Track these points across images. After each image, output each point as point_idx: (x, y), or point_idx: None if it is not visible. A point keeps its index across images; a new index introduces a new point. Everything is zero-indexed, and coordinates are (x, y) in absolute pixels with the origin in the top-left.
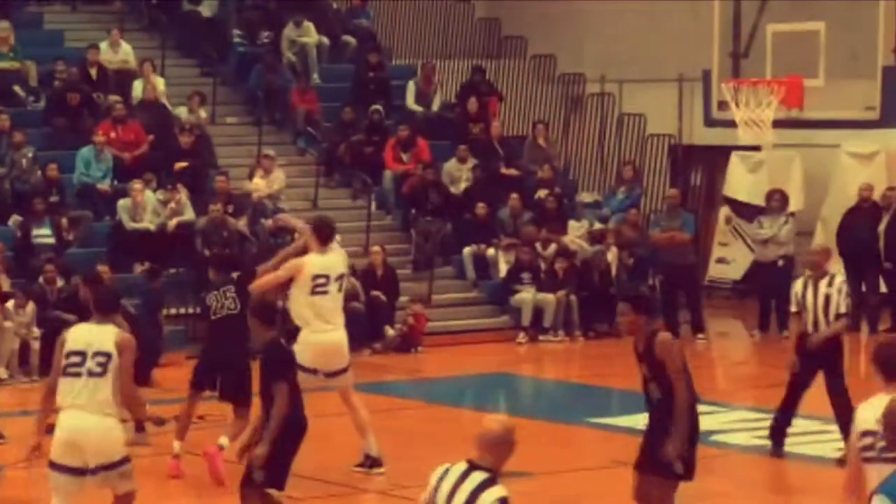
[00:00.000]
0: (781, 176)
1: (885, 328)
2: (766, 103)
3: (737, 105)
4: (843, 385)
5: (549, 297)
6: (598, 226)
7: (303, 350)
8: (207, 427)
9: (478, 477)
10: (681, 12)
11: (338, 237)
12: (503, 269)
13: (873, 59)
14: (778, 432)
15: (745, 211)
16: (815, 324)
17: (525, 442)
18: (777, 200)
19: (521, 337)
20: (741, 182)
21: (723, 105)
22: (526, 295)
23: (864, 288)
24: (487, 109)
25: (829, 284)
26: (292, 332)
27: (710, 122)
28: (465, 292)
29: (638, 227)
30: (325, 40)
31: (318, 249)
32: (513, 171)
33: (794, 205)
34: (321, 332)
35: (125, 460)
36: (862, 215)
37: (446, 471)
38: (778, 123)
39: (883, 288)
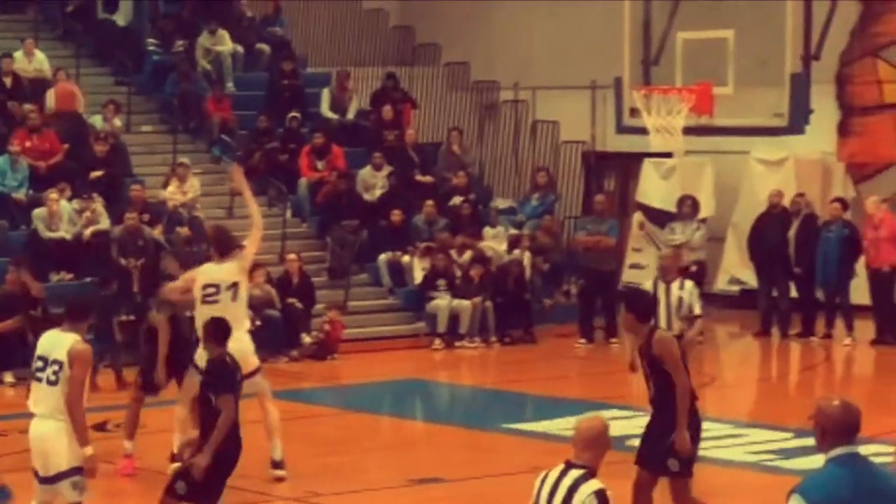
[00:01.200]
0: (693, 182)
1: (795, 333)
2: (676, 110)
3: (648, 112)
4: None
5: (465, 304)
6: (512, 232)
7: (202, 358)
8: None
9: (575, 473)
10: (593, 20)
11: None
12: (419, 275)
13: (781, 66)
14: None
15: (658, 217)
16: (669, 326)
17: (441, 448)
18: (689, 206)
19: (437, 343)
20: (654, 188)
21: (634, 112)
22: (441, 301)
23: (775, 293)
24: (402, 116)
25: (681, 287)
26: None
27: (622, 129)
28: (381, 299)
29: (552, 232)
30: (240, 48)
31: (216, 259)
32: (427, 178)
33: (706, 211)
34: None
35: (75, 471)
36: (772, 221)
37: (546, 475)
38: (689, 130)
39: (793, 293)
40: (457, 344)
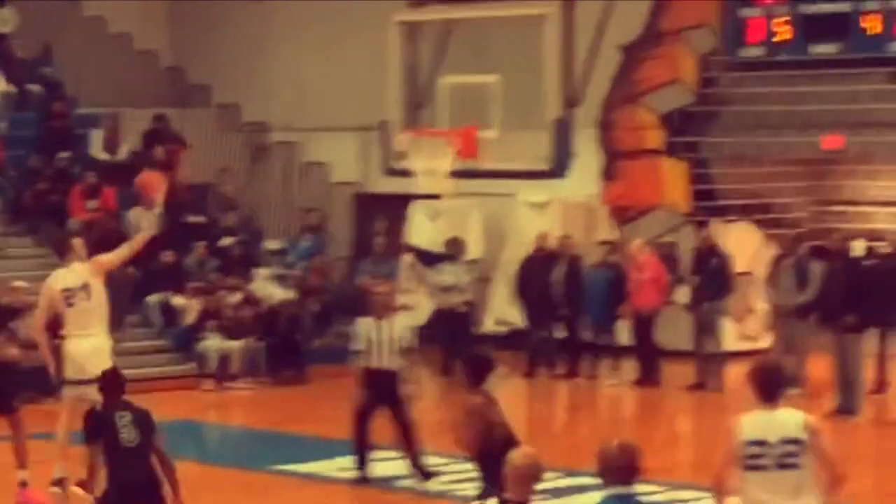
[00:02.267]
0: (461, 224)
1: (561, 373)
2: (442, 153)
3: (415, 155)
4: (408, 413)
5: (235, 344)
6: (283, 273)
7: (69, 361)
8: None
9: None
10: (362, 63)
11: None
12: (190, 316)
13: (545, 111)
14: (362, 461)
15: (427, 258)
16: (383, 362)
17: (215, 490)
18: (457, 248)
19: (208, 384)
20: (422, 230)
21: (402, 154)
22: (211, 342)
23: (542, 333)
24: (173, 157)
25: (395, 324)
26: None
27: (390, 171)
28: (152, 340)
29: (323, 273)
30: (11, 88)
31: (65, 264)
32: (199, 219)
33: (474, 252)
34: (81, 338)
35: None
36: (538, 263)
37: None
38: (456, 173)
39: (560, 334)
40: (227, 385)
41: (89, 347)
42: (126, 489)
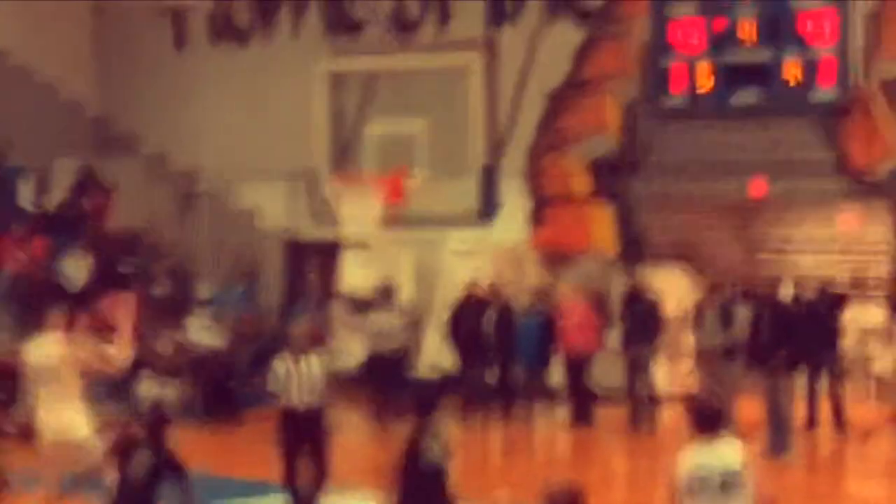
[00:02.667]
0: (391, 270)
1: (496, 417)
2: (371, 200)
3: (344, 202)
4: (324, 452)
5: (168, 390)
6: (214, 320)
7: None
8: None
9: None
10: (289, 111)
11: None
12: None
13: (472, 158)
14: (295, 501)
15: (358, 304)
16: (300, 399)
17: None
18: (387, 294)
19: None
20: (353, 276)
21: (331, 201)
22: (145, 388)
23: (474, 378)
24: (101, 206)
25: (309, 363)
26: None
27: (319, 217)
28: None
29: (254, 321)
30: None
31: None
32: (129, 268)
33: (405, 297)
34: None
35: None
36: (469, 308)
37: None
38: (385, 219)
39: (492, 378)
40: None
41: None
42: None
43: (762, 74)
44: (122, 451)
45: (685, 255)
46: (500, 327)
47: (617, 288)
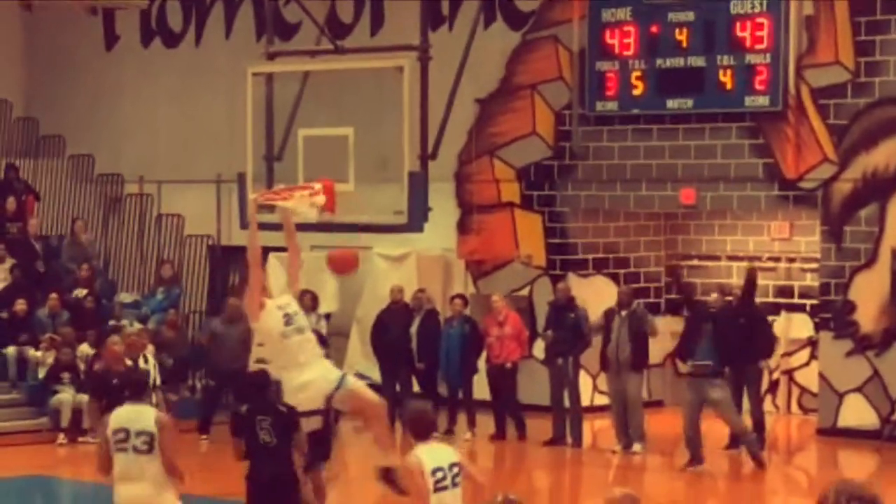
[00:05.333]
0: (316, 277)
1: None
2: (303, 206)
3: (271, 209)
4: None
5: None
6: (137, 326)
7: None
8: None
9: None
10: (217, 115)
11: None
12: (43, 369)
13: (400, 164)
14: None
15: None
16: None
17: None
18: (309, 301)
19: (61, 438)
20: (279, 283)
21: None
22: (65, 396)
23: (398, 387)
24: (25, 208)
25: (146, 362)
26: None
27: (246, 224)
28: (5, 393)
29: (177, 327)
30: None
31: None
32: (51, 270)
33: (329, 306)
34: None
35: None
36: (394, 316)
37: None
38: (313, 226)
39: (416, 387)
40: (80, 439)
41: None
42: (260, 485)
43: (695, 80)
44: None
45: (614, 263)
46: (425, 336)
47: (543, 297)
